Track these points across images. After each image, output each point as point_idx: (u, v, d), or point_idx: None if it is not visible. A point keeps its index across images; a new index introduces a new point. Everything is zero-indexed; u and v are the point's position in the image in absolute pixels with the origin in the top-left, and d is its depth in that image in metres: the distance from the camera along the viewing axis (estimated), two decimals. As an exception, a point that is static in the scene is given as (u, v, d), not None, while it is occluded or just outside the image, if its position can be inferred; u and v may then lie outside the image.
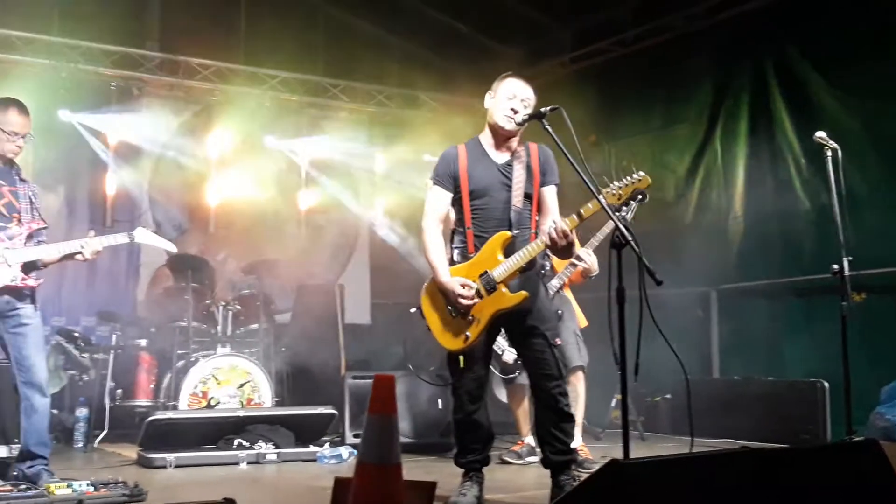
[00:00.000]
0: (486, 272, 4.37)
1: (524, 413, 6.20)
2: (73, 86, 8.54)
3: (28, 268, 4.93)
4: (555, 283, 5.85)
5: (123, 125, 8.90)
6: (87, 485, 4.48)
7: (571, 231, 4.24)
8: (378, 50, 10.07)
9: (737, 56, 7.92)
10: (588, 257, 5.81)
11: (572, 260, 5.74)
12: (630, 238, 3.86)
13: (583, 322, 6.13)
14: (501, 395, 7.29)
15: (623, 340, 3.84)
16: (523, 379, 6.05)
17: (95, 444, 7.02)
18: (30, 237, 4.98)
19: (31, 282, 4.92)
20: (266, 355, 7.73)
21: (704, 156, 8.15)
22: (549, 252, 4.45)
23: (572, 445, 5.68)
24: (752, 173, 7.76)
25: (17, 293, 4.90)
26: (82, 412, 7.08)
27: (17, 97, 5.22)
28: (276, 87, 9.45)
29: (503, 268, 4.35)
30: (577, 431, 5.91)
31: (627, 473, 3.16)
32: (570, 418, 4.51)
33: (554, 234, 4.21)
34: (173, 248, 5.71)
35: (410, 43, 10.21)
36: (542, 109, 4.27)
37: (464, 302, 4.33)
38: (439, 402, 6.76)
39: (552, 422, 4.44)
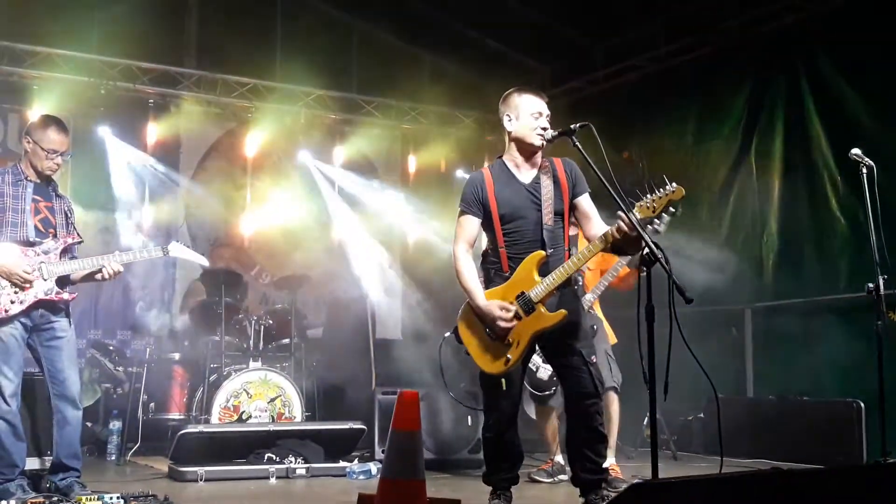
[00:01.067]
0: (523, 293, 4.35)
1: (553, 431, 6.14)
2: (111, 102, 8.68)
3: (62, 282, 5.00)
4: (588, 297, 5.81)
5: (161, 141, 9.02)
6: (118, 498, 4.51)
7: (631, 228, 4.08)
8: (411, 67, 10.13)
9: (771, 71, 7.85)
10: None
11: (609, 273, 5.70)
12: (660, 256, 3.84)
13: (612, 339, 6.08)
14: (531, 410, 7.24)
15: (652, 359, 3.81)
16: (557, 401, 5.98)
17: (128, 457, 7.06)
18: (65, 251, 5.05)
19: (65, 296, 4.99)
20: (297, 370, 7.77)
21: (739, 172, 8.07)
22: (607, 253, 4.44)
23: (604, 465, 5.66)
24: (787, 190, 7.68)
25: (52, 306, 4.97)
26: (116, 425, 7.14)
27: (57, 114, 5.33)
28: (310, 103, 9.54)
29: (540, 287, 4.33)
30: (610, 451, 5.87)
31: (653, 495, 3.13)
32: (604, 438, 4.49)
33: (625, 227, 4.07)
34: (206, 262, 5.75)
35: (443, 60, 10.26)
36: (572, 126, 4.25)
37: (503, 325, 4.31)
38: (468, 418, 6.74)
39: (585, 440, 4.41)
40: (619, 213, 4.13)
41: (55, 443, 5.03)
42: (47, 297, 4.91)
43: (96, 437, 7.44)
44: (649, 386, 3.85)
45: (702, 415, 7.73)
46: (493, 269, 4.53)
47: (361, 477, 6.12)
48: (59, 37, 8.41)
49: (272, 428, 6.49)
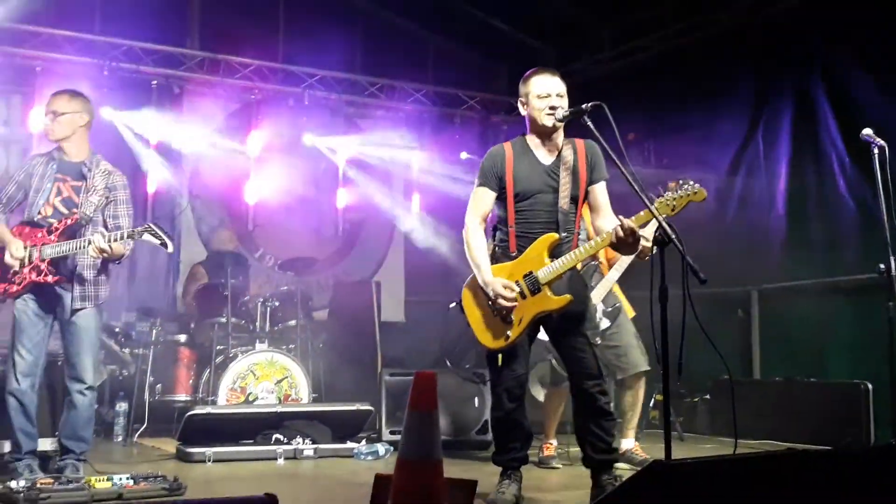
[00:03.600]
0: (531, 273, 4.34)
1: (558, 415, 6.08)
2: (115, 84, 8.63)
3: (55, 264, 4.92)
4: (613, 275, 5.74)
5: (164, 123, 8.97)
6: (127, 478, 4.50)
7: (637, 228, 4.18)
8: (416, 48, 10.08)
9: (780, 52, 7.79)
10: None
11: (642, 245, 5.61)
12: (674, 236, 3.82)
13: (630, 312, 5.93)
14: (539, 394, 7.24)
15: (665, 341, 3.80)
16: None
17: (135, 439, 7.08)
18: (66, 232, 4.99)
19: (50, 278, 4.88)
20: (303, 351, 7.77)
21: (746, 153, 8.04)
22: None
23: (626, 446, 5.65)
24: (795, 171, 7.65)
25: (53, 288, 4.94)
26: (122, 407, 7.16)
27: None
28: (314, 85, 9.49)
29: (549, 269, 4.31)
30: (632, 433, 5.88)
31: (671, 474, 3.12)
32: (611, 416, 4.47)
33: (621, 232, 4.16)
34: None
35: (448, 41, 10.21)
36: (584, 106, 4.22)
37: (504, 304, 4.31)
38: (475, 399, 6.73)
39: (593, 421, 4.40)
40: (619, 218, 4.21)
41: (62, 423, 5.05)
42: (38, 279, 4.86)
43: (102, 418, 7.43)
44: (662, 367, 3.84)
45: (708, 396, 7.74)
46: (500, 248, 4.51)
47: (369, 458, 6.14)
48: (61, 17, 8.35)
49: (279, 409, 6.49)
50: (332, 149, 9.94)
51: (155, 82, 8.92)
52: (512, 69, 8.98)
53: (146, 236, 4.98)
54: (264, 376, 7.06)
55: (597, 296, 5.68)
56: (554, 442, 5.98)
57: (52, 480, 4.47)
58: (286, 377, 7.12)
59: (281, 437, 6.22)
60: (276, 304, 7.83)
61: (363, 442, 6.48)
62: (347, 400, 6.95)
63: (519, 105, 4.59)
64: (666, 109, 8.67)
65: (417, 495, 2.68)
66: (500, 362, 4.42)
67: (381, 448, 6.25)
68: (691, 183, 4.18)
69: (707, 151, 8.16)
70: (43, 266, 4.89)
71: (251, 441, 6.28)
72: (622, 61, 9.15)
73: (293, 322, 7.87)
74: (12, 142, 8.45)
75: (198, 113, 9.27)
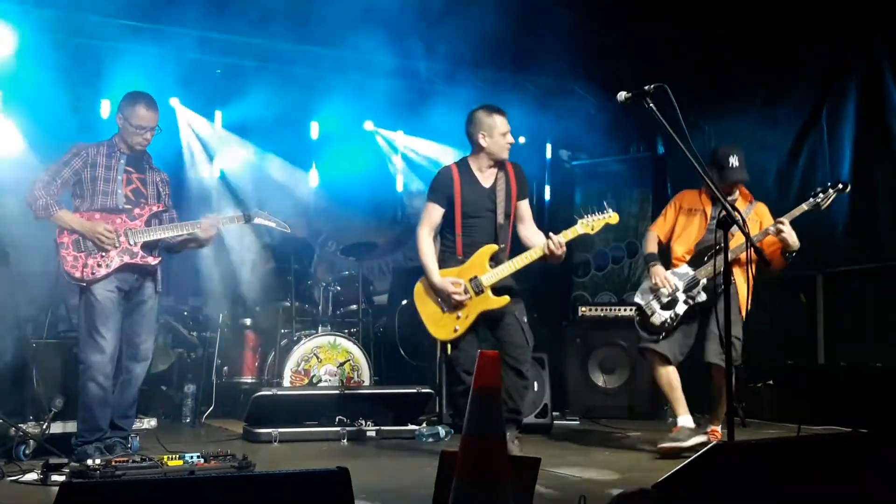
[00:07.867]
0: (475, 277, 5.20)
1: (669, 383, 5.70)
2: (179, 73, 8.77)
3: (148, 248, 5.16)
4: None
5: (228, 110, 9.14)
6: (198, 457, 4.64)
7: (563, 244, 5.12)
8: (472, 32, 10.04)
9: (846, 32, 7.62)
10: (788, 231, 5.53)
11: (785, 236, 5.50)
12: (738, 218, 3.82)
13: (743, 310, 5.36)
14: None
15: (728, 323, 3.80)
16: (663, 347, 5.66)
17: (202, 420, 7.26)
18: (153, 218, 5.22)
19: (150, 259, 5.15)
20: (365, 335, 7.88)
21: (809, 135, 7.89)
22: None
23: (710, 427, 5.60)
24: (860, 154, 7.48)
25: (141, 271, 5.14)
26: (190, 388, 7.34)
27: (129, 86, 5.47)
28: (375, 72, 9.54)
29: (491, 275, 5.19)
30: (717, 422, 5.82)
31: (731, 455, 3.15)
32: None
33: (552, 246, 5.09)
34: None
35: (498, 23, 10.11)
36: (646, 87, 4.25)
37: (457, 298, 5.15)
38: (535, 383, 6.77)
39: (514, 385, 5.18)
40: (549, 235, 5.14)
41: (114, 403, 5.18)
42: (133, 261, 5.08)
43: (171, 400, 7.63)
44: (725, 350, 3.85)
45: (771, 381, 7.65)
46: (448, 252, 5.33)
47: (430, 440, 6.23)
48: (124, 8, 8.47)
49: (342, 391, 6.61)
50: (393, 135, 10.03)
51: (219, 70, 9.03)
52: (560, 52, 8.87)
53: (259, 219, 5.50)
54: (327, 359, 7.20)
55: (705, 271, 5.51)
56: (682, 421, 5.62)
57: (126, 458, 4.63)
58: (348, 360, 7.25)
59: (344, 418, 6.34)
60: (338, 288, 7.97)
61: (424, 424, 6.57)
62: (407, 383, 7.05)
63: (479, 137, 5.29)
64: (727, 89, 8.53)
65: (482, 472, 2.74)
66: (449, 350, 5.36)
67: (441, 430, 6.33)
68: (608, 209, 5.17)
69: (768, 132, 8.03)
70: (136, 249, 5.09)
71: (315, 422, 6.41)
72: (681, 40, 8.98)
73: (354, 306, 7.99)
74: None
75: (260, 100, 9.40)
